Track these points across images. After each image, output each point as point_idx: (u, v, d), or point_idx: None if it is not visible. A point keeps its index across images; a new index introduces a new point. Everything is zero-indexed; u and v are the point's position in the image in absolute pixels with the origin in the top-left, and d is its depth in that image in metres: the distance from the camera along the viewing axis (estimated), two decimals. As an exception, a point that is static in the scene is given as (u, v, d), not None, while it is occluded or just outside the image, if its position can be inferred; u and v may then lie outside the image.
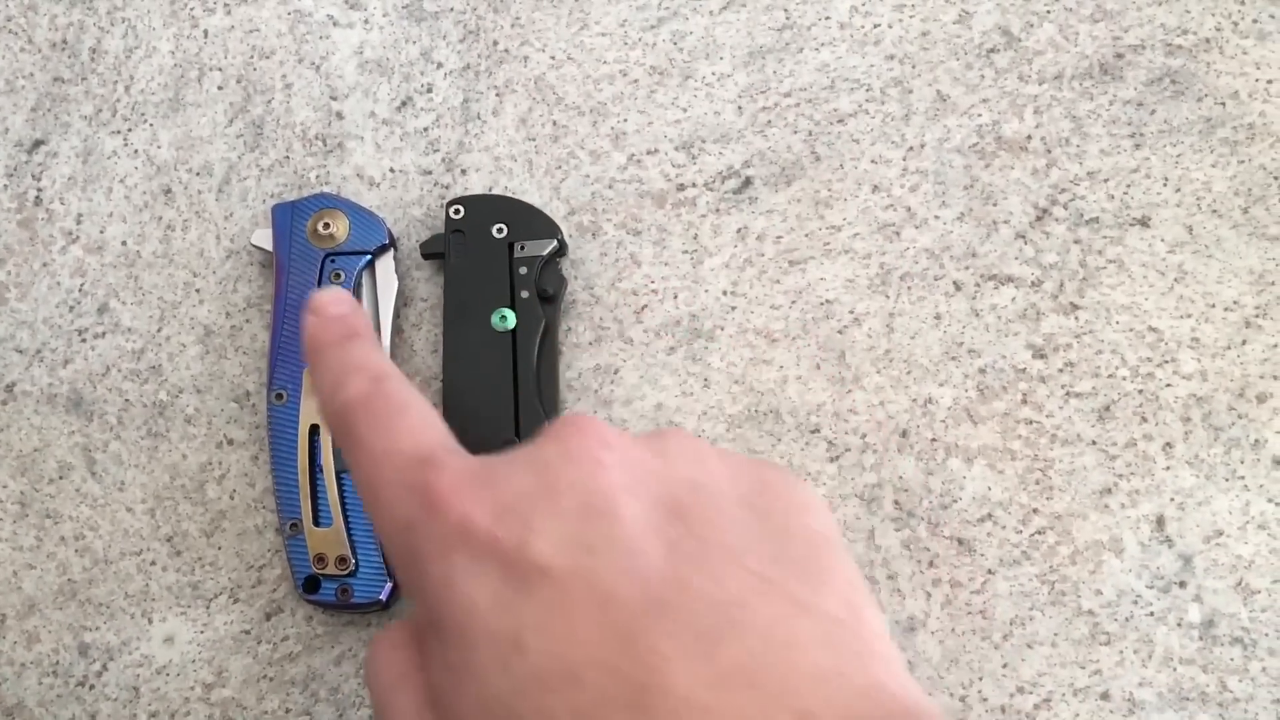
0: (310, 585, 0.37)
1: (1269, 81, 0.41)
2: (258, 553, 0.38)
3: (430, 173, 0.42)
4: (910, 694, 0.20)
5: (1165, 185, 0.40)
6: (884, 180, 0.41)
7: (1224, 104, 0.40)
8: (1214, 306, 0.38)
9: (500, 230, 0.40)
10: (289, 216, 0.40)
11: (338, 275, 0.39)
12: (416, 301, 0.41)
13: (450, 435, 0.25)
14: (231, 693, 0.37)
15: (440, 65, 0.43)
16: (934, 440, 0.38)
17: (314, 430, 0.38)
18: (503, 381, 0.38)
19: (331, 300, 0.28)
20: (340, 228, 0.40)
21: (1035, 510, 0.37)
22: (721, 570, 0.21)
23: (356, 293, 0.39)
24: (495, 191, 0.42)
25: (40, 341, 0.41)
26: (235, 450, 0.40)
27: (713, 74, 0.42)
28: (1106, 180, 0.40)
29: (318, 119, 0.43)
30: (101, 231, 0.42)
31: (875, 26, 0.43)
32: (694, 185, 0.41)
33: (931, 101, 0.41)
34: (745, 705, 0.18)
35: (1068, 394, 0.38)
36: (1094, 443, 0.37)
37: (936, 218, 0.40)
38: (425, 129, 0.43)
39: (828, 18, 0.43)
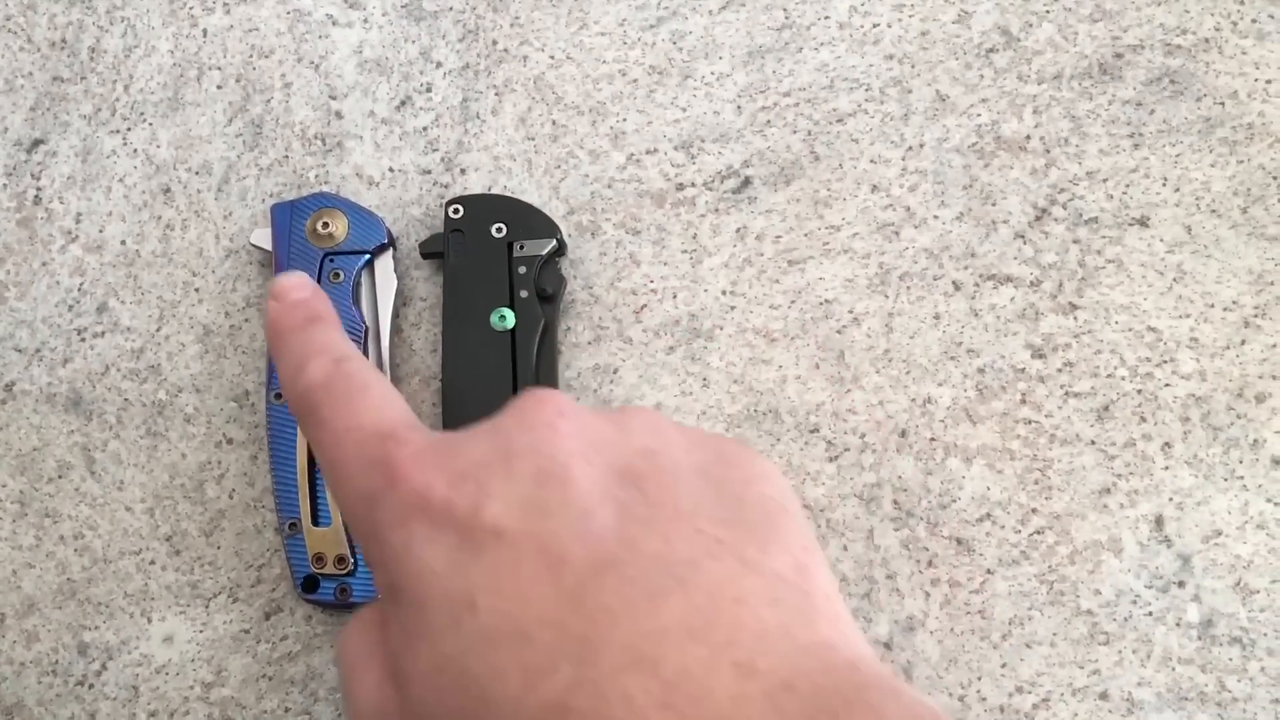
0: (309, 585, 0.37)
1: (1268, 81, 0.41)
2: (257, 552, 0.39)
3: (429, 172, 0.42)
4: (855, 650, 0.20)
5: (1164, 185, 0.40)
6: (883, 180, 0.41)
7: (1223, 104, 0.40)
8: (1213, 306, 0.38)
9: (499, 230, 0.40)
10: (288, 216, 0.40)
11: (337, 275, 0.39)
12: (416, 301, 0.41)
13: (411, 413, 0.25)
14: (231, 692, 0.37)
15: (439, 65, 0.43)
16: (933, 440, 0.38)
17: (313, 430, 0.38)
18: (502, 381, 0.38)
19: (293, 285, 0.28)
20: (339, 227, 0.40)
21: (1034, 510, 0.37)
22: (672, 531, 0.21)
23: (356, 292, 0.39)
24: (494, 191, 0.42)
25: (39, 341, 0.41)
26: (234, 450, 0.40)
27: (712, 74, 0.42)
28: (1105, 180, 0.40)
29: (317, 118, 0.43)
30: (101, 231, 0.42)
31: (874, 26, 0.43)
32: (693, 185, 0.41)
33: (931, 101, 0.41)
34: (686, 657, 0.19)
35: (1067, 394, 0.38)
36: (1093, 443, 0.37)
37: (935, 217, 0.40)
38: (424, 128, 0.43)
39: (827, 17, 0.43)
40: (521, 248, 0.39)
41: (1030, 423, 0.38)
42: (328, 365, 0.25)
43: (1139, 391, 0.38)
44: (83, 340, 0.41)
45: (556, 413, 0.23)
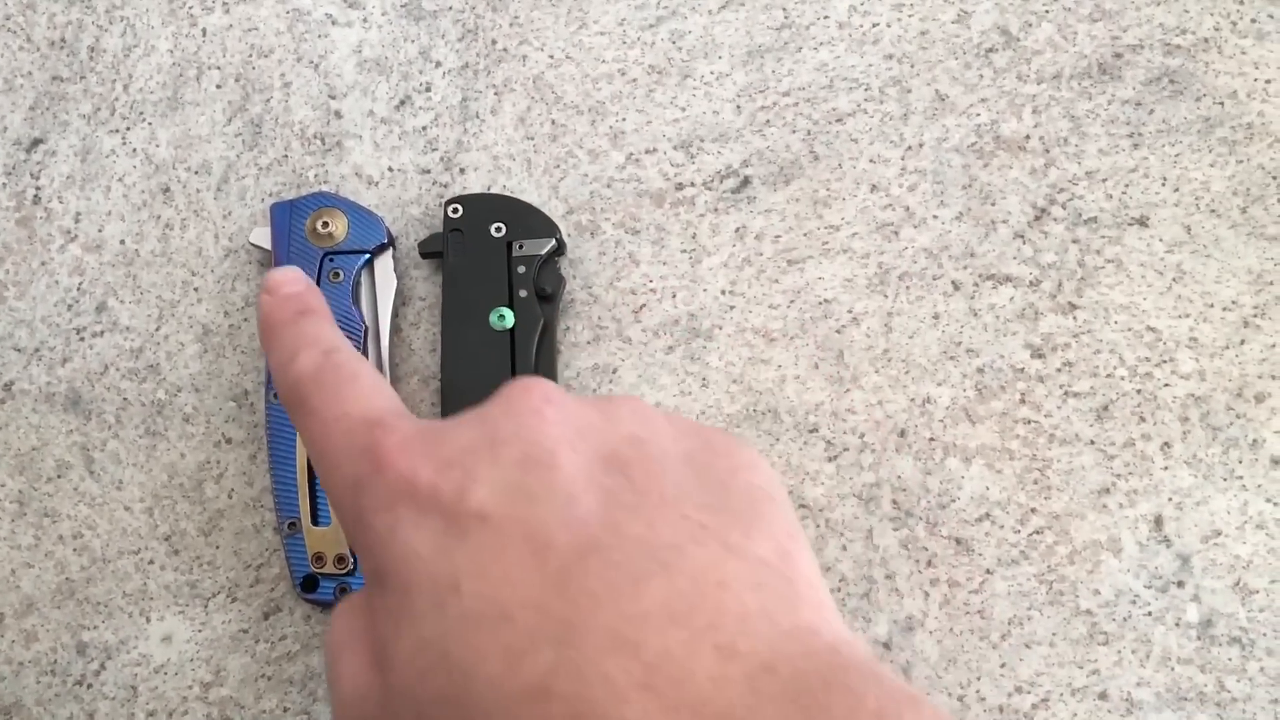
0: (308, 584, 0.37)
1: (1267, 81, 0.41)
2: (256, 552, 0.38)
3: (429, 171, 0.42)
4: (837, 635, 0.20)
5: (1164, 185, 0.40)
6: (882, 180, 0.41)
7: (1222, 104, 0.40)
8: (1212, 306, 0.38)
9: (499, 229, 0.40)
10: (287, 215, 0.40)
11: (336, 274, 0.39)
12: (415, 300, 0.41)
13: (400, 403, 0.25)
14: (229, 692, 0.37)
15: (439, 64, 0.43)
16: (932, 440, 0.38)
17: (312, 429, 0.38)
18: (501, 380, 0.38)
19: (286, 280, 0.28)
20: (339, 227, 0.40)
21: (1033, 510, 0.37)
22: (656, 516, 0.21)
23: (355, 292, 0.39)
24: (494, 190, 0.42)
25: (38, 340, 0.41)
26: (233, 449, 0.40)
27: (711, 73, 0.42)
28: (1105, 180, 0.40)
29: (316, 118, 0.43)
30: (100, 230, 0.42)
31: (874, 26, 0.43)
32: (692, 184, 0.41)
33: (930, 101, 0.41)
34: (668, 640, 0.19)
35: (1066, 394, 0.38)
36: (1092, 442, 0.37)
37: (935, 217, 0.40)
38: (424, 128, 0.43)
39: (826, 17, 0.43)
40: (521, 247, 0.39)
41: (1029, 422, 0.38)
42: (317, 356, 0.26)
43: (1138, 391, 0.38)
44: (82, 340, 0.41)
45: (543, 400, 0.23)
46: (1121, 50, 0.41)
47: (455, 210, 0.40)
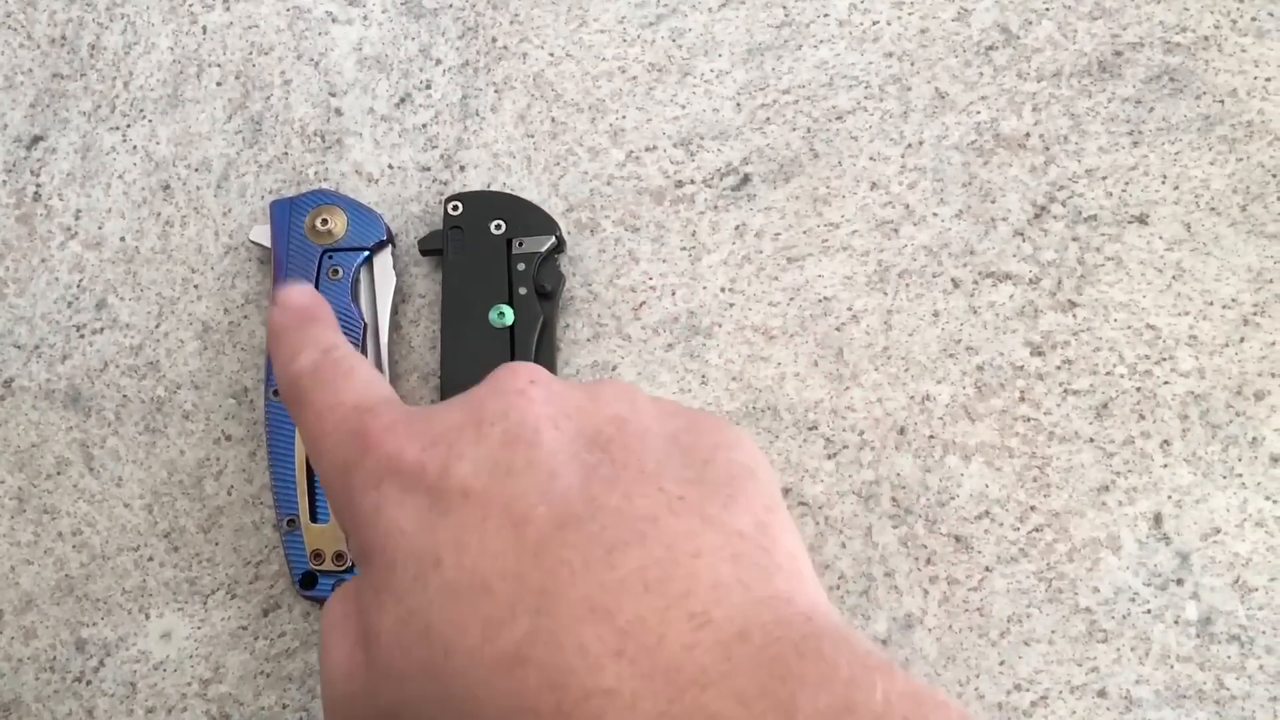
0: (307, 581, 0.37)
1: (1267, 79, 0.41)
2: (255, 549, 0.38)
3: (429, 169, 0.42)
4: (812, 603, 0.20)
5: (1164, 183, 0.40)
6: (882, 177, 0.41)
7: (1222, 102, 0.40)
8: (1212, 304, 0.38)
9: (498, 227, 0.40)
10: (287, 213, 0.40)
11: (335, 271, 0.39)
12: (415, 298, 0.41)
13: (394, 394, 0.26)
14: (228, 689, 0.37)
15: (439, 62, 0.43)
16: (932, 437, 0.38)
17: (312, 426, 0.38)
18: (500, 378, 0.38)
19: (295, 293, 0.29)
20: (338, 224, 0.40)
21: (1033, 508, 0.37)
22: (634, 489, 0.21)
23: (355, 289, 0.39)
24: (494, 188, 0.42)
25: (38, 337, 0.41)
26: (233, 446, 0.40)
27: (711, 71, 0.42)
28: (1105, 178, 0.40)
29: (316, 115, 0.43)
30: (100, 227, 0.42)
31: (874, 24, 0.43)
32: (692, 182, 0.41)
33: (930, 99, 0.41)
34: (642, 607, 0.19)
35: (1066, 391, 0.38)
36: (1092, 440, 0.37)
37: (935, 215, 0.40)
38: (424, 125, 0.43)
39: (826, 15, 0.43)
40: (520, 245, 0.39)
41: (1029, 420, 0.38)
42: (316, 355, 0.26)
43: (1138, 389, 0.38)
44: (81, 337, 0.41)
45: (529, 380, 0.24)
46: (1121, 48, 0.41)
47: (455, 208, 0.40)
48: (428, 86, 0.43)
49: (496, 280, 0.39)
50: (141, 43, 0.44)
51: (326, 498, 0.34)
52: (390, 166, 0.42)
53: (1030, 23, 0.42)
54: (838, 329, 0.39)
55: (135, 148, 0.43)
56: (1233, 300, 0.38)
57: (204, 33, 0.44)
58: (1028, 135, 0.41)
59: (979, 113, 0.41)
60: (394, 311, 0.40)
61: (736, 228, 0.40)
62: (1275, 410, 0.37)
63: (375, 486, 0.23)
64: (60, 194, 0.43)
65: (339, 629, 0.23)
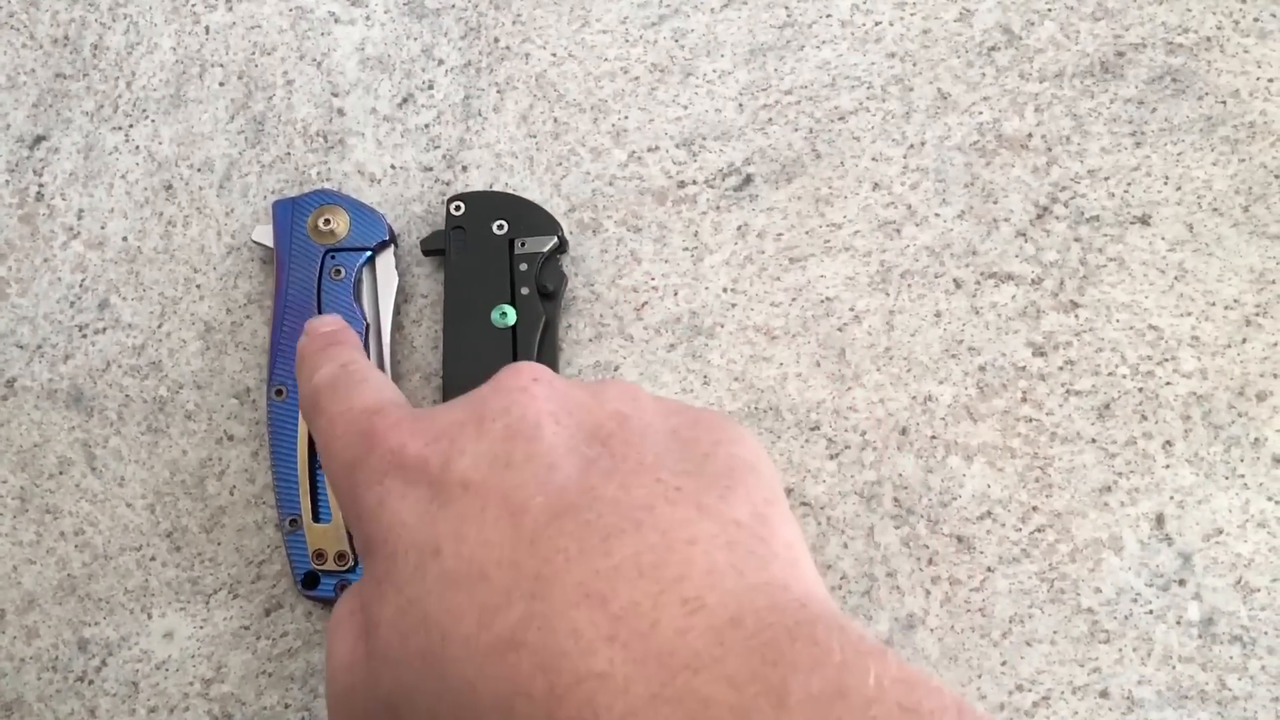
0: (309, 581, 0.37)
1: (1270, 80, 0.41)
2: (257, 548, 0.39)
3: (431, 169, 0.42)
4: (808, 591, 0.20)
5: (1166, 183, 0.40)
6: (884, 178, 0.41)
7: (1225, 102, 0.40)
8: (1214, 305, 0.38)
9: (501, 227, 0.40)
10: (290, 213, 0.40)
11: (338, 271, 0.39)
12: (417, 298, 0.41)
13: (404, 399, 0.26)
14: (231, 688, 0.37)
15: (441, 62, 0.43)
16: (934, 438, 0.38)
17: (314, 426, 0.38)
18: (503, 378, 0.38)
19: (322, 322, 0.31)
20: (341, 224, 0.40)
21: (1035, 508, 0.37)
22: (632, 480, 0.21)
23: (357, 289, 0.39)
24: (496, 188, 0.42)
25: (41, 337, 0.41)
26: (235, 446, 0.40)
27: (714, 71, 0.42)
28: (1107, 178, 0.40)
29: (319, 115, 0.43)
30: (102, 227, 0.42)
31: (876, 24, 0.43)
32: (694, 182, 0.41)
33: (932, 99, 0.41)
34: (636, 592, 0.19)
35: (1068, 392, 0.38)
36: (1094, 441, 0.37)
37: (937, 215, 0.40)
38: (426, 125, 0.43)
39: (829, 15, 0.43)
40: (523, 245, 0.39)
41: (1031, 421, 0.38)
42: (334, 369, 0.28)
43: (1140, 390, 0.38)
44: (84, 336, 0.41)
45: (532, 378, 0.24)
46: (1124, 49, 0.41)
47: (457, 208, 0.40)
48: (430, 87, 0.43)
49: (499, 280, 0.39)
50: (144, 43, 0.44)
51: (335, 497, 0.35)
52: (393, 166, 0.42)
53: (1032, 23, 0.42)
54: (840, 329, 0.39)
55: (138, 148, 0.43)
56: (1235, 301, 0.38)
57: (206, 33, 0.44)
58: (1030, 136, 0.41)
59: (981, 113, 0.41)
60: (396, 311, 0.40)
61: (739, 228, 0.41)
62: (1277, 411, 0.37)
63: (379, 481, 0.23)
64: (63, 194, 0.43)
65: (344, 624, 0.23)
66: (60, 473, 0.40)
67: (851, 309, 0.39)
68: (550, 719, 0.18)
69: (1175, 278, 0.39)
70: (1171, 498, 0.37)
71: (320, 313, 0.39)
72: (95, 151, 0.43)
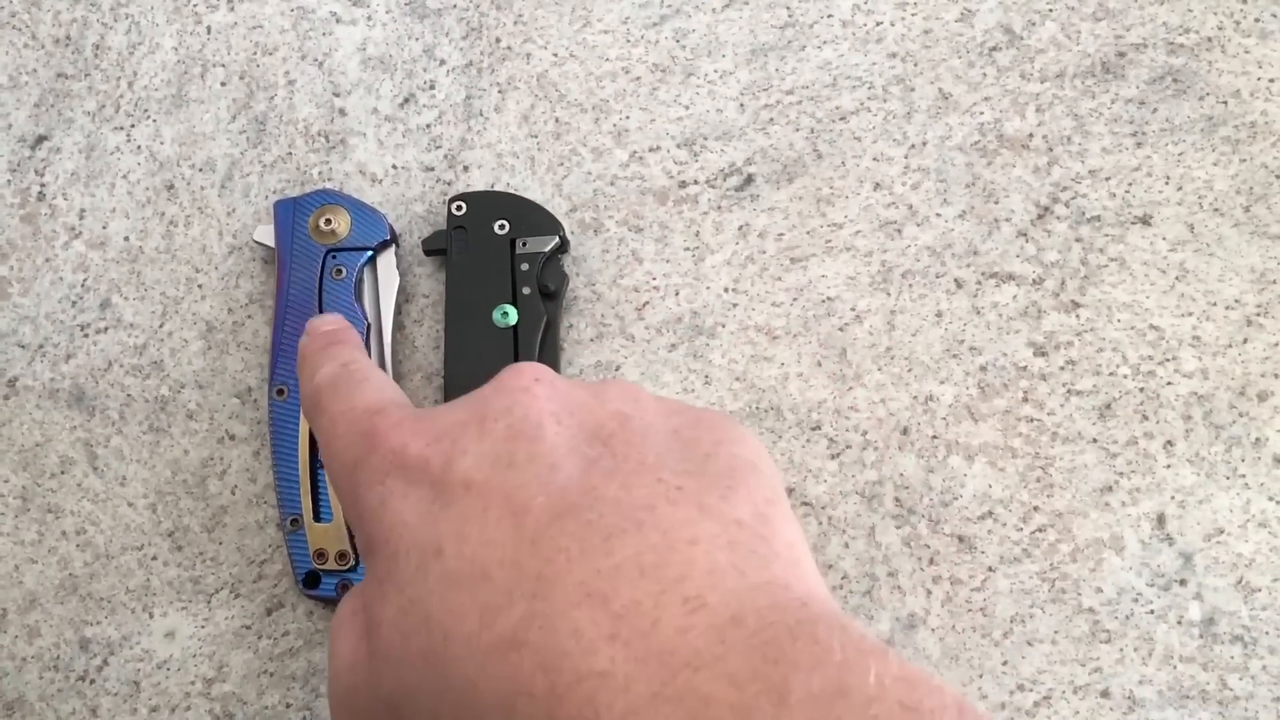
0: (311, 580, 0.37)
1: (1271, 80, 0.41)
2: (259, 548, 0.39)
3: (432, 169, 0.42)
4: (809, 590, 0.20)
5: (1167, 184, 0.40)
6: (886, 178, 0.41)
7: (1226, 103, 0.40)
8: (1215, 305, 0.38)
9: (502, 227, 0.40)
10: (291, 212, 0.40)
11: (339, 271, 0.39)
12: (418, 298, 0.41)
13: (406, 399, 0.26)
14: (232, 688, 0.37)
15: (443, 62, 0.43)
16: (935, 438, 0.38)
17: (315, 425, 0.38)
18: (504, 377, 0.38)
19: (324, 321, 0.31)
20: (342, 224, 0.40)
21: (1036, 508, 0.37)
22: (633, 480, 0.22)
23: (358, 289, 0.39)
24: (497, 188, 0.42)
25: (43, 336, 0.41)
26: (237, 446, 0.40)
27: (715, 71, 0.42)
28: (1108, 178, 0.40)
29: (320, 115, 0.43)
30: (104, 227, 0.42)
31: (877, 24, 0.43)
32: (696, 182, 0.41)
33: (933, 99, 0.41)
34: (637, 592, 0.19)
35: (1069, 392, 0.38)
36: (1095, 440, 0.37)
37: (938, 215, 0.40)
38: (428, 125, 0.43)
39: (830, 15, 0.43)
40: (524, 245, 0.39)
41: (1032, 420, 0.38)
42: (335, 368, 0.28)
43: (1141, 390, 0.38)
44: (86, 336, 0.41)
45: (533, 379, 0.24)
46: (1125, 49, 0.41)
47: (459, 207, 0.40)
48: (431, 87, 0.43)
49: (500, 280, 0.39)
50: (146, 43, 0.44)
51: (337, 497, 0.35)
52: (394, 166, 0.42)
53: (1033, 24, 0.42)
54: (841, 329, 0.39)
55: (139, 148, 0.43)
56: (1236, 301, 0.38)
57: (208, 33, 0.44)
58: (1031, 136, 0.41)
59: (982, 113, 0.41)
60: (398, 311, 0.40)
61: (740, 228, 0.41)
62: (1278, 411, 0.37)
63: (381, 481, 0.23)
64: (65, 194, 0.43)
65: (347, 624, 0.23)
66: (62, 472, 0.40)
67: (853, 309, 0.39)
68: (551, 718, 0.18)
69: (1176, 278, 0.39)
70: (1173, 498, 0.37)
71: (321, 312, 0.39)
72: (97, 151, 0.43)
